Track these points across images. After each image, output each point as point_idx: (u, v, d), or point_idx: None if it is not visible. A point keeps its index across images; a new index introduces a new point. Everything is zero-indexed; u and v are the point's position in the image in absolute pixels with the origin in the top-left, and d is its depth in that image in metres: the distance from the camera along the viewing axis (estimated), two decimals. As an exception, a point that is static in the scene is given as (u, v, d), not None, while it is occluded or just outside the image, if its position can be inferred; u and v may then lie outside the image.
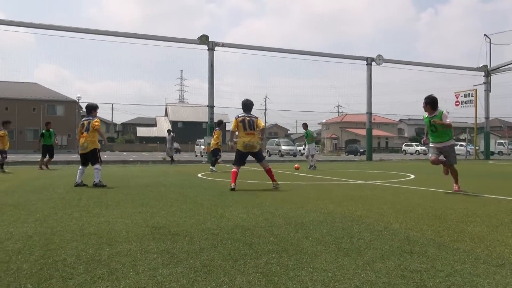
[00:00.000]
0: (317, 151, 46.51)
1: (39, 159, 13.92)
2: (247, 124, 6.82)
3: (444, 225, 3.73)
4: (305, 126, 14.45)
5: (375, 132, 45.46)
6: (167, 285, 2.11)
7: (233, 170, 6.92)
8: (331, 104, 71.68)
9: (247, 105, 7.04)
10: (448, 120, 6.42)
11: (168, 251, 2.77)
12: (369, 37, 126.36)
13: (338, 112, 76.40)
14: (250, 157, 7.30)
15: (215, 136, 12.99)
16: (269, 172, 7.09)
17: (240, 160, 7.06)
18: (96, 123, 7.57)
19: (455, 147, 7.10)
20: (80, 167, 7.63)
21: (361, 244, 3.01)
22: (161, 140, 63.49)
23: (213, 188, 7.34)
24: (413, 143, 51.97)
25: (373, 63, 25.71)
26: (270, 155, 36.92)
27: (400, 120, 71.80)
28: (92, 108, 7.83)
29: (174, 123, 71.09)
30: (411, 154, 46.14)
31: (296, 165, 13.96)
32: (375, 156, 27.40)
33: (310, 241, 3.11)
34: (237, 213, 4.37)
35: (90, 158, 7.57)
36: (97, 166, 7.45)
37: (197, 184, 8.03)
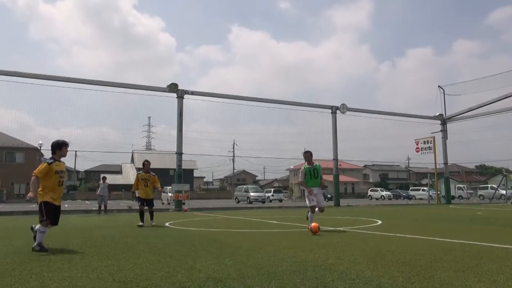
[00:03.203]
0: (285, 197, 45.76)
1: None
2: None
3: (413, 271, 3.79)
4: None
5: (342, 178, 46.30)
6: None
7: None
8: (299, 150, 72.73)
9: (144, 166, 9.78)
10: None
11: (138, 308, 2.64)
12: (334, 86, 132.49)
13: (305, 158, 77.62)
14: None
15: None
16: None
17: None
18: (36, 169, 5.58)
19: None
20: None
21: (335, 293, 2.99)
22: (127, 187, 61.66)
23: (182, 237, 7.15)
24: (378, 188, 53.23)
25: (338, 111, 26.77)
26: (238, 201, 36.56)
27: (365, 166, 73.75)
28: (52, 147, 5.85)
29: (140, 170, 69.52)
30: (377, 199, 47.07)
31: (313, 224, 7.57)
32: (342, 202, 27.74)
33: (284, 292, 3.06)
34: (208, 264, 4.26)
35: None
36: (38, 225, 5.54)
37: (165, 234, 7.80)
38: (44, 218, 5.47)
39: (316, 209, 8.11)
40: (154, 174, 10.28)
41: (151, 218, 10.00)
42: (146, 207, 10.02)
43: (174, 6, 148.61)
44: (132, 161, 73.14)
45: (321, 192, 8.31)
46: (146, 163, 10.18)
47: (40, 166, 5.62)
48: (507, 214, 14.27)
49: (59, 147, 5.80)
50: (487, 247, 5.49)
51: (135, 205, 30.06)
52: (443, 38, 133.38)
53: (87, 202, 42.14)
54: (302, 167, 8.29)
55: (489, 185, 47.14)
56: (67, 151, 5.93)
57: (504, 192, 35.10)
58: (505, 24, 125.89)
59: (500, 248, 5.37)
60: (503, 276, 3.54)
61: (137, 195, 10.23)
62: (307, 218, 8.18)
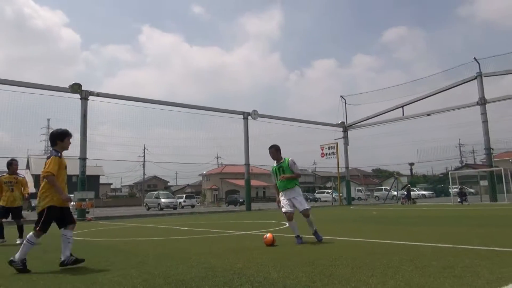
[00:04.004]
0: (197, 203, 45.29)
1: None
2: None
3: (316, 270, 4.02)
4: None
5: (253, 182, 47.43)
6: None
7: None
8: (211, 156, 72.73)
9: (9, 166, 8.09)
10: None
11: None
12: (246, 92, 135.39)
13: (218, 163, 78.01)
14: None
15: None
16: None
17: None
18: (48, 166, 4.67)
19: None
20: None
21: (243, 297, 3.04)
22: (20, 196, 55.61)
23: (84, 249, 6.64)
24: (288, 192, 55.51)
25: (249, 117, 27.40)
26: (149, 208, 35.27)
27: (276, 171, 76.39)
28: (53, 137, 4.93)
29: (37, 177, 63.39)
30: (286, 202, 49.02)
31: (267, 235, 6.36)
32: (254, 206, 28.37)
33: (192, 300, 3.02)
34: (112, 277, 4.02)
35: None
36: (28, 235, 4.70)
37: (64, 246, 7.17)
38: (38, 228, 4.57)
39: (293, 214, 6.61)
40: (22, 175, 8.44)
41: (20, 235, 7.96)
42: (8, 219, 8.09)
43: (79, 0, 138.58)
44: (28, 167, 66.33)
45: (297, 193, 6.58)
46: (13, 163, 8.24)
47: (50, 161, 4.64)
48: (397, 213, 15.91)
49: (61, 138, 4.88)
50: (380, 244, 6.05)
51: (30, 215, 27.19)
52: (345, 51, 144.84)
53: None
54: (271, 168, 6.83)
55: (383, 187, 52.22)
56: (70, 143, 5.01)
57: (395, 193, 39.11)
58: (396, 43, 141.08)
59: (390, 244, 5.96)
60: (392, 270, 3.92)
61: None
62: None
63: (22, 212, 8.50)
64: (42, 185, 4.71)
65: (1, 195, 7.98)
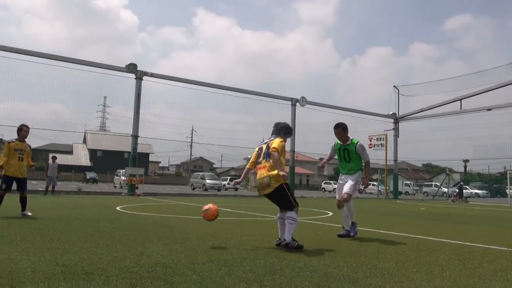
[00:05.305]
0: (240, 186, 46.21)
1: None
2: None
3: (358, 261, 3.96)
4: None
5: (297, 170, 47.26)
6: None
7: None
8: (257, 140, 72.85)
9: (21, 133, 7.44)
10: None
11: (81, 292, 2.57)
12: (295, 78, 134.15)
13: (263, 148, 78.00)
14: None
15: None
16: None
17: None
18: (276, 144, 4.78)
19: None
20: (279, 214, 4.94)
21: (283, 281, 3.06)
22: (77, 168, 59.35)
23: (133, 222, 7.00)
24: (332, 182, 54.82)
25: (297, 104, 27.15)
26: (194, 188, 36.30)
27: (320, 159, 75.50)
28: (278, 129, 5.11)
29: (93, 152, 67.20)
30: (330, 192, 48.49)
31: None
32: (297, 193, 28.30)
33: (232, 278, 3.09)
34: (158, 250, 4.20)
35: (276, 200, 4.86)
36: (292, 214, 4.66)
37: (115, 218, 7.60)
38: (294, 205, 4.68)
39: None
40: (29, 145, 7.65)
41: (24, 209, 7.31)
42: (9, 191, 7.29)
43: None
44: (85, 141, 70.44)
45: (353, 177, 5.72)
46: (23, 129, 7.44)
47: (277, 140, 4.85)
48: (446, 211, 15.22)
49: (285, 132, 5.07)
50: (426, 241, 5.83)
51: (85, 187, 28.91)
52: (402, 39, 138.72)
53: (33, 182, 40.07)
54: (333, 143, 6.13)
55: (433, 183, 50.00)
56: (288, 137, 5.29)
57: (446, 190, 37.37)
58: (458, 32, 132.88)
59: (438, 242, 5.72)
60: (439, 268, 3.77)
61: (2, 173, 7.17)
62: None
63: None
64: (270, 163, 4.70)
65: (6, 162, 7.17)
